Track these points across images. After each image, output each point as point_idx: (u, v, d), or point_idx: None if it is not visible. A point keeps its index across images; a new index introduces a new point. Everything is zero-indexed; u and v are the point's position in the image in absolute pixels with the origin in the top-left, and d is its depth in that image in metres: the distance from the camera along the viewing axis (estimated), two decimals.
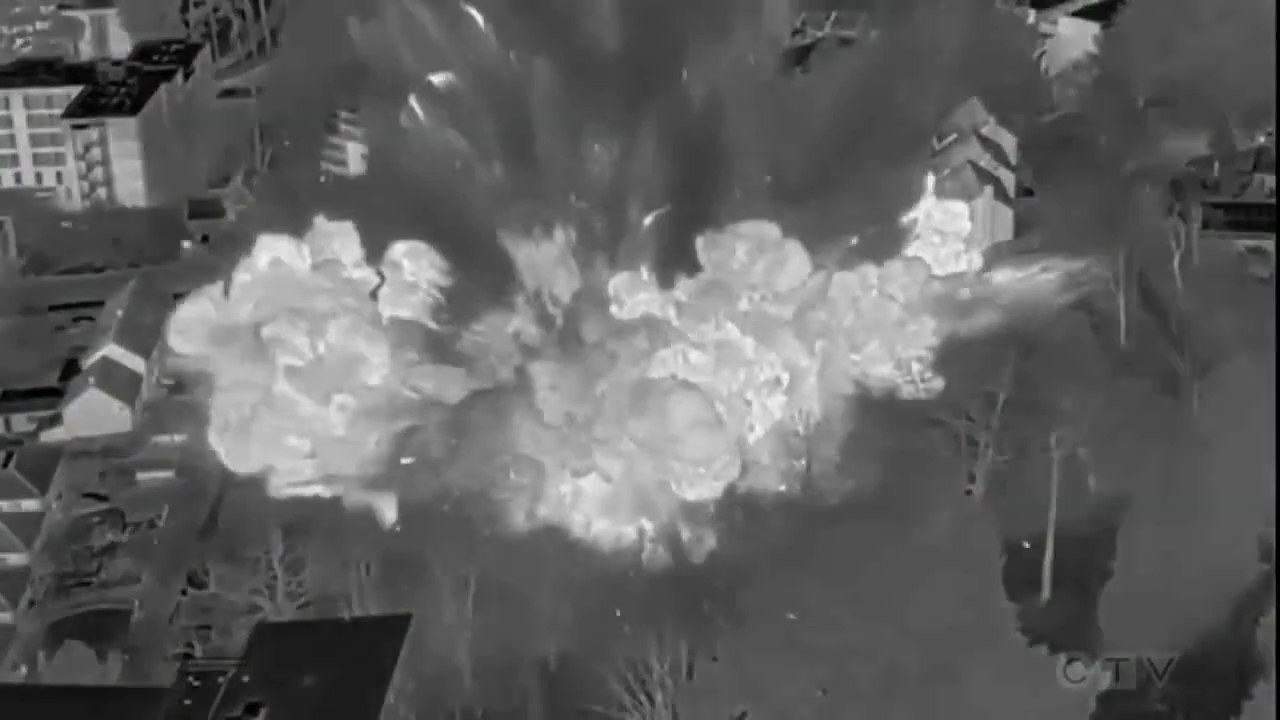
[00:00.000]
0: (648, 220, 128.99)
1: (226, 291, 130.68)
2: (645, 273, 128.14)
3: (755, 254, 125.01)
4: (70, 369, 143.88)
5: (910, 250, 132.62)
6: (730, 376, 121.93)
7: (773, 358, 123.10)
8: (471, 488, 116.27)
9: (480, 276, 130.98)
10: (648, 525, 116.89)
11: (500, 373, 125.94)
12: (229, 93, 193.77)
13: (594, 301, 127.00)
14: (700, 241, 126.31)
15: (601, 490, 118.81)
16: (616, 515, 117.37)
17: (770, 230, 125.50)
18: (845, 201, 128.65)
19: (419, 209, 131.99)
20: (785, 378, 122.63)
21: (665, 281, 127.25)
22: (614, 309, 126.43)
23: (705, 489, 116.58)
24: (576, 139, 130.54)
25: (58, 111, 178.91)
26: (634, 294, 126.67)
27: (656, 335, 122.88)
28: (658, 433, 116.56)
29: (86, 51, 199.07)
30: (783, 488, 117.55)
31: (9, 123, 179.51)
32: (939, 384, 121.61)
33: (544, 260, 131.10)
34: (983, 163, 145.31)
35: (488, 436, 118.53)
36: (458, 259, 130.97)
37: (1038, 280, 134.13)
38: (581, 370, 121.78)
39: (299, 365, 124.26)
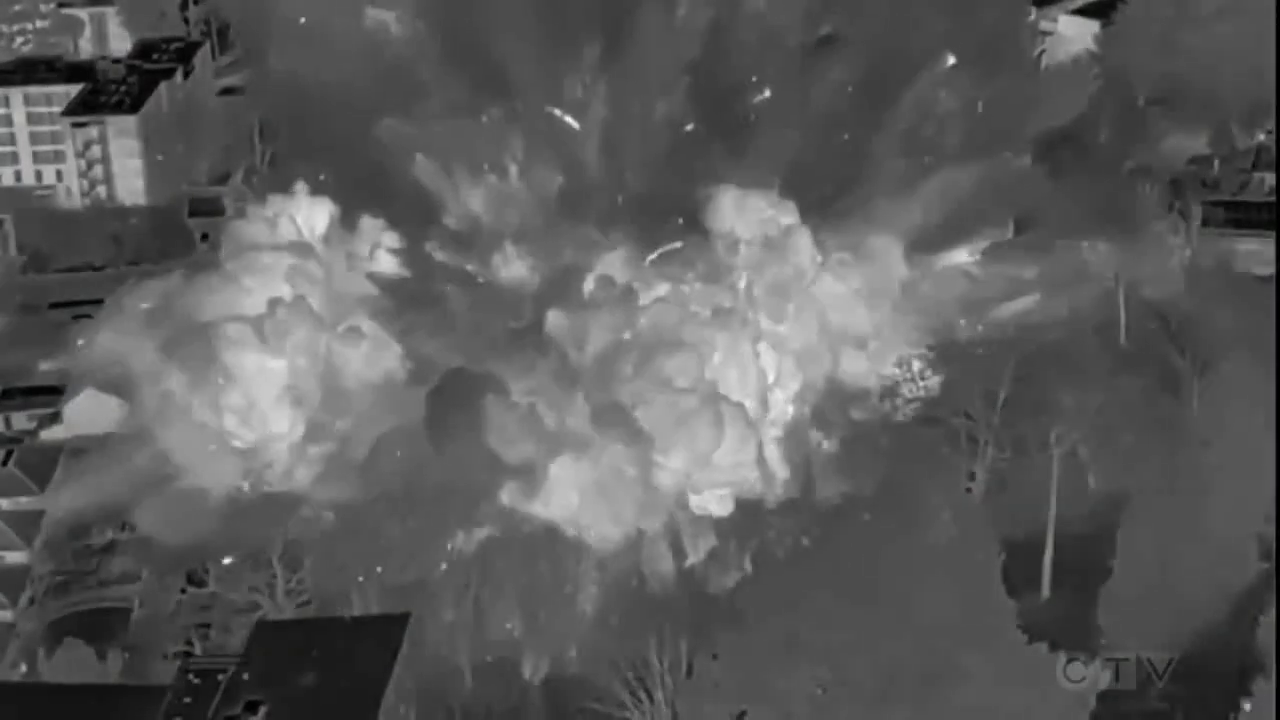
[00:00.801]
0: (688, 127, 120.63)
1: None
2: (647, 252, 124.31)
3: (763, 240, 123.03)
4: None
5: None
6: (739, 372, 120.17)
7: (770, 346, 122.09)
8: (453, 487, 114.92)
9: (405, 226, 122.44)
10: (646, 524, 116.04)
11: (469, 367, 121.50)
12: (229, 90, 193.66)
13: (573, 288, 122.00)
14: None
15: (596, 488, 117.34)
16: (614, 514, 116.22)
17: (787, 213, 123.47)
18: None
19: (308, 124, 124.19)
20: (790, 377, 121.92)
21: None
22: (600, 292, 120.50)
23: (723, 501, 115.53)
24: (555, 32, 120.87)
25: (57, 109, 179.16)
26: (631, 271, 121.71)
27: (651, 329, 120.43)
28: (682, 445, 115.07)
29: (86, 49, 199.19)
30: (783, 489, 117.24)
31: (9, 121, 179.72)
32: (939, 382, 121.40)
33: (513, 213, 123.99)
34: None
35: (463, 434, 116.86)
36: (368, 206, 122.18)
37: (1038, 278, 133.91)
38: (567, 372, 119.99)
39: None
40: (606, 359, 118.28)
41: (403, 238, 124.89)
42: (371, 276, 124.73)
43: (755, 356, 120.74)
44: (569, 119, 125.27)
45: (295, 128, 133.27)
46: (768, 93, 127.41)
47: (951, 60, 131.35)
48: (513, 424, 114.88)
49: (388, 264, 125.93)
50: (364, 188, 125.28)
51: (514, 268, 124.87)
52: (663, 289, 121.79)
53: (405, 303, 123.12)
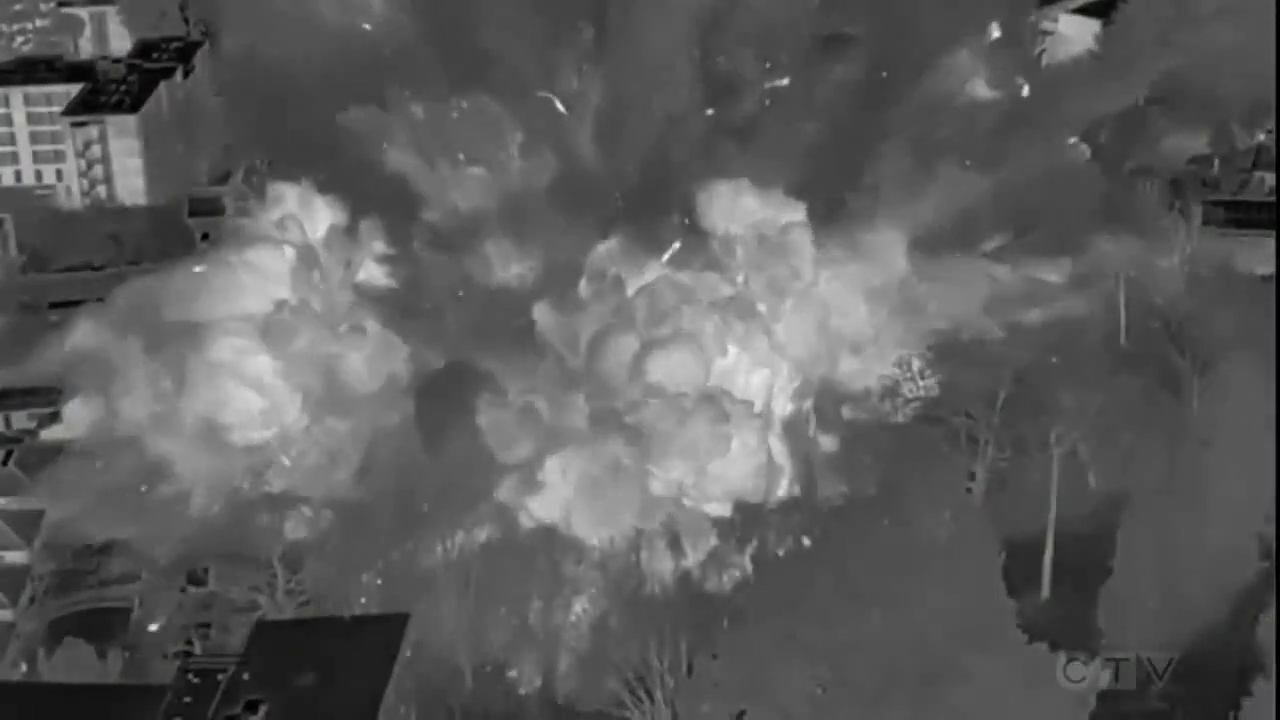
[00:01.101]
0: (708, 111, 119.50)
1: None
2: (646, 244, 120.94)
3: (759, 239, 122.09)
4: None
5: None
6: (748, 368, 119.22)
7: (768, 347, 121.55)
8: (449, 486, 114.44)
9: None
10: (644, 523, 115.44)
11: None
12: None
13: (568, 286, 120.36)
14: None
15: (592, 486, 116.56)
16: (611, 513, 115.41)
17: (786, 211, 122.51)
18: None
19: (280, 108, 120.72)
20: (789, 377, 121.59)
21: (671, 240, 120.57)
22: (592, 287, 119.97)
23: (722, 502, 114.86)
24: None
25: (58, 109, 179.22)
26: (625, 265, 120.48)
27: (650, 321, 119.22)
28: (687, 455, 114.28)
29: (86, 49, 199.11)
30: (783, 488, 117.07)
31: (9, 120, 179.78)
32: (938, 382, 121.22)
33: (506, 208, 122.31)
34: None
35: (454, 432, 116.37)
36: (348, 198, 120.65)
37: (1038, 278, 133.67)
38: (565, 371, 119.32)
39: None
40: (602, 349, 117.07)
41: (390, 239, 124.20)
42: (360, 287, 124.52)
43: (769, 351, 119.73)
44: (557, 103, 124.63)
45: (263, 117, 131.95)
46: (782, 82, 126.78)
47: (997, 34, 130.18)
48: (507, 422, 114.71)
49: (376, 273, 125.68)
50: (345, 181, 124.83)
51: (509, 266, 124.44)
52: (653, 274, 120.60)
53: (398, 311, 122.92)
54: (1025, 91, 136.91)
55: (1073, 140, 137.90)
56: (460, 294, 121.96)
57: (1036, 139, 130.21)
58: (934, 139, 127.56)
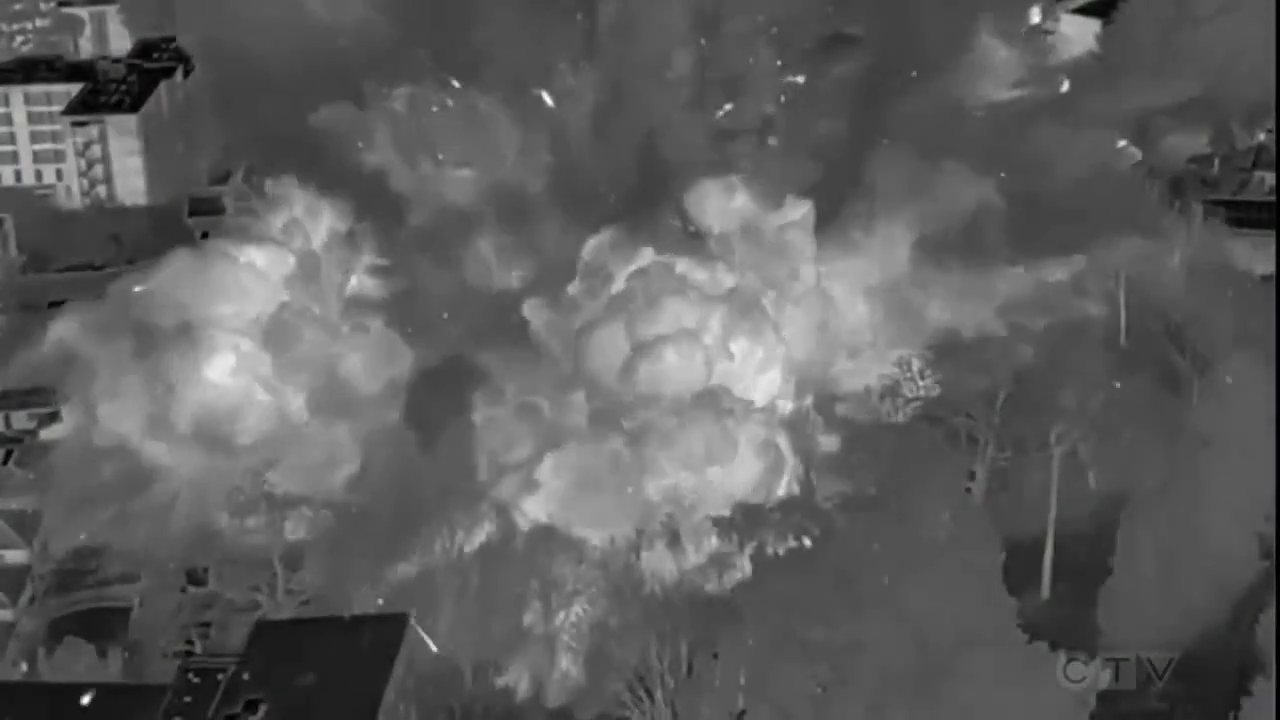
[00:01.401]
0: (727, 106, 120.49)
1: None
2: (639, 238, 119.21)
3: (755, 239, 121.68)
4: None
5: None
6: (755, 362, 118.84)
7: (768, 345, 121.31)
8: (446, 485, 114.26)
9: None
10: (643, 523, 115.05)
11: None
12: None
13: (557, 282, 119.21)
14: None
15: (591, 485, 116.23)
16: (609, 513, 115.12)
17: (785, 211, 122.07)
18: None
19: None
20: (787, 377, 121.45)
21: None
22: (584, 285, 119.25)
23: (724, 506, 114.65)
24: None
25: (58, 109, 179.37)
26: (618, 261, 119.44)
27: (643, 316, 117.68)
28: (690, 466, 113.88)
29: (86, 49, 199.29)
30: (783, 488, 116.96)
31: (9, 120, 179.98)
32: (939, 382, 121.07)
33: (500, 209, 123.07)
34: None
35: (449, 430, 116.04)
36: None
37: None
38: (561, 370, 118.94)
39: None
40: (594, 340, 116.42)
41: (380, 245, 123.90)
42: (353, 298, 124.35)
43: (775, 349, 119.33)
44: (547, 98, 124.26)
45: (243, 117, 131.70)
46: (798, 79, 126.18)
47: (1036, 19, 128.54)
48: (505, 420, 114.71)
49: (369, 284, 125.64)
50: (329, 183, 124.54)
51: (502, 266, 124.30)
52: (645, 261, 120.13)
53: (394, 318, 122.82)
54: (1065, 87, 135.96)
55: (1123, 143, 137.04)
56: (445, 316, 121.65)
57: (1076, 139, 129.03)
58: (951, 139, 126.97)
